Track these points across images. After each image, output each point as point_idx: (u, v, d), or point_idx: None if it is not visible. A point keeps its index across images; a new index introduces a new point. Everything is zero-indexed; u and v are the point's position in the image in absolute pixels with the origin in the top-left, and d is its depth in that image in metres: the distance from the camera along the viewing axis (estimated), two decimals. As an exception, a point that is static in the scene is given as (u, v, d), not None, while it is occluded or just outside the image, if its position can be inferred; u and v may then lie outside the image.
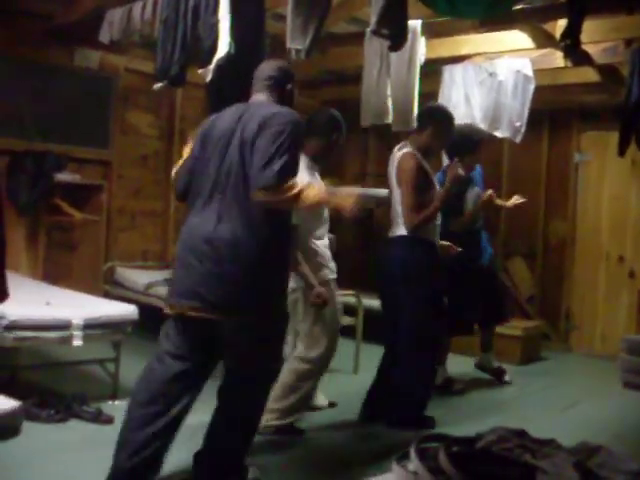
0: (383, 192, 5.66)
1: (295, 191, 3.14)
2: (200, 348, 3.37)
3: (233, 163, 3.28)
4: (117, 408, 4.55)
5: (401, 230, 4.60)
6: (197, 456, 3.58)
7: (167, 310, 3.42)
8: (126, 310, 4.82)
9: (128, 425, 3.24)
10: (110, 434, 4.08)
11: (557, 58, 5.83)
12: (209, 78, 4.06)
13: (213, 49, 4.03)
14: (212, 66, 4.02)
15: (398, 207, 4.60)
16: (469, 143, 5.50)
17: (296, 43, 4.03)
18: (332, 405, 5.05)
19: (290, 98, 3.59)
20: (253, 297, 3.26)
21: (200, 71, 4.11)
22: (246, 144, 3.24)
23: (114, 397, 4.75)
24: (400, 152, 4.65)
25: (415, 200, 4.49)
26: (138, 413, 3.24)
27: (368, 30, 4.79)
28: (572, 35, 4.01)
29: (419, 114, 4.96)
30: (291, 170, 3.21)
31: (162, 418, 3.20)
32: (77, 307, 4.73)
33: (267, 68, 3.58)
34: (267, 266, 3.29)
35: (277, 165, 3.13)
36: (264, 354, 3.46)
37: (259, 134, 3.21)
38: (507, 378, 6.05)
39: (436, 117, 4.74)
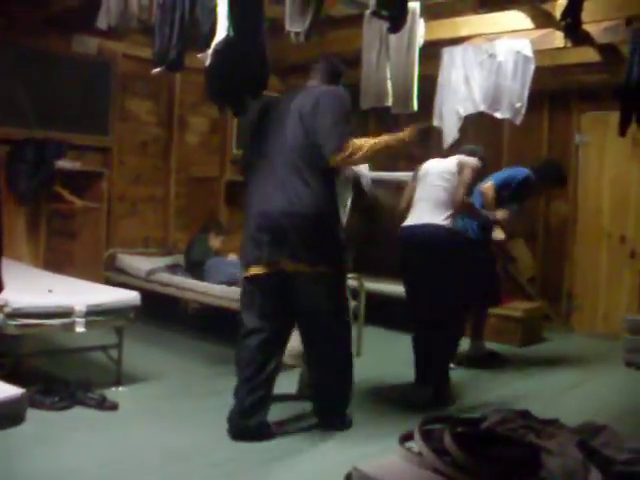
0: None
1: (364, 148, 3.83)
2: (279, 309, 3.99)
3: (295, 137, 3.89)
4: (121, 394, 4.57)
5: (442, 215, 4.88)
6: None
7: (247, 273, 4.00)
8: (128, 296, 4.83)
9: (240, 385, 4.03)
10: (114, 420, 4.13)
11: (557, 38, 5.79)
12: (208, 62, 4.03)
13: (211, 33, 4.00)
14: (211, 50, 3.99)
15: (442, 194, 4.93)
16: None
17: (295, 26, 4.01)
18: None
19: (338, 83, 4.21)
20: (328, 250, 3.93)
21: (199, 56, 4.08)
22: (305, 119, 3.87)
23: (118, 383, 4.76)
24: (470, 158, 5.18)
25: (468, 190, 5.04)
26: (242, 376, 4.02)
27: (367, 12, 4.78)
28: (573, 14, 3.99)
29: None
30: (350, 133, 3.85)
31: (259, 377, 3.96)
32: (79, 294, 4.73)
33: (325, 61, 4.33)
34: (333, 223, 4.00)
35: (340, 131, 3.82)
36: (337, 302, 4.08)
37: (317, 109, 3.86)
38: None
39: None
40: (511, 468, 2.37)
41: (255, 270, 3.96)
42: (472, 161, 5.14)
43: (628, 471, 2.37)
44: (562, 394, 5.19)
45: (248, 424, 3.93)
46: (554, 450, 2.45)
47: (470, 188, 5.10)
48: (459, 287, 4.91)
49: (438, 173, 5.05)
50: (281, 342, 4.10)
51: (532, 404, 4.38)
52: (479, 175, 5.27)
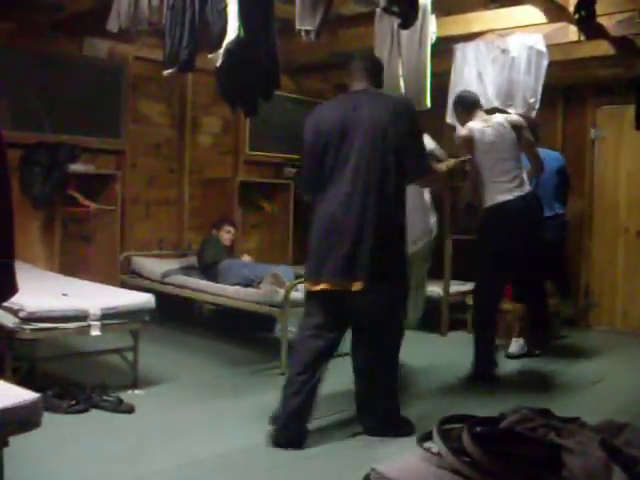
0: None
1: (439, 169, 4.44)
2: (339, 322, 3.95)
3: (375, 151, 3.77)
4: (137, 397, 4.56)
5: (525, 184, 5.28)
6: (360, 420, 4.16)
7: (315, 288, 3.89)
8: (143, 299, 4.82)
9: (288, 387, 3.93)
10: (131, 423, 4.12)
11: (570, 32, 5.74)
12: (219, 63, 4.03)
13: (222, 33, 3.99)
14: (221, 50, 3.98)
15: (514, 163, 5.28)
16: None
17: (306, 24, 3.99)
18: None
19: (382, 81, 4.18)
20: (396, 265, 3.91)
21: (210, 56, 4.08)
22: (389, 135, 3.78)
23: (134, 386, 4.74)
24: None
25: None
26: (295, 380, 3.90)
27: (378, 9, 4.75)
28: (586, 7, 3.94)
29: None
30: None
31: (310, 382, 3.88)
32: (94, 297, 4.73)
33: (363, 59, 4.09)
34: (401, 238, 3.96)
35: (424, 154, 3.97)
36: (397, 318, 4.08)
37: (399, 125, 3.80)
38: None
39: None
40: (531, 468, 2.33)
41: (324, 286, 3.84)
42: (517, 117, 5.43)
43: (651, 470, 2.33)
44: (583, 391, 5.14)
45: (296, 428, 3.90)
46: (575, 449, 2.40)
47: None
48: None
49: (503, 142, 5.25)
50: (332, 353, 4.04)
51: (552, 402, 4.36)
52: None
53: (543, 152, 5.88)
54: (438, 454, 2.45)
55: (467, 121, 5.39)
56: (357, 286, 3.76)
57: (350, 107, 3.86)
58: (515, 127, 5.28)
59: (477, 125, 5.30)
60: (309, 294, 4.04)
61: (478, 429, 2.60)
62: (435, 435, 2.50)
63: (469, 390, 5.06)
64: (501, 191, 5.17)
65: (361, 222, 3.75)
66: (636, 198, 7.28)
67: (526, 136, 5.34)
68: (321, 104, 4.19)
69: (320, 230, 3.89)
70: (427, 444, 2.57)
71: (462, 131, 5.39)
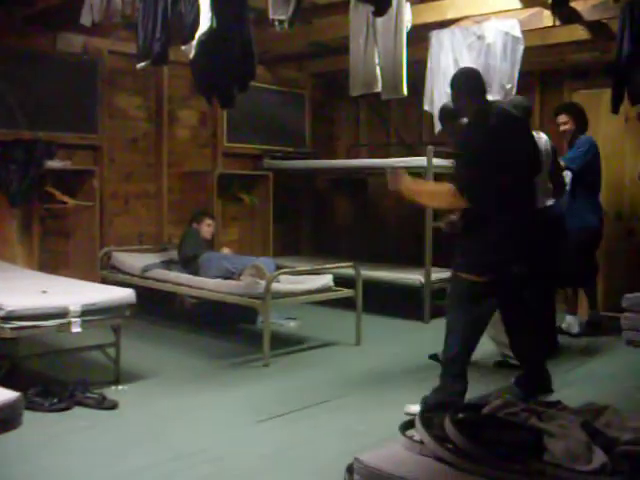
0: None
1: None
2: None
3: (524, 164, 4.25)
4: (120, 393, 4.54)
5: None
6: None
7: (481, 279, 4.11)
8: (123, 294, 4.79)
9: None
10: (115, 419, 4.10)
11: (545, 17, 5.75)
12: (192, 55, 4.00)
13: (195, 25, 3.96)
14: (194, 42, 3.95)
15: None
16: None
17: (279, 14, 3.97)
18: None
19: None
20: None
21: (183, 48, 4.05)
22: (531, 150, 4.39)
23: (117, 382, 4.73)
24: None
25: None
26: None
27: (352, -3, 4.74)
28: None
29: None
30: None
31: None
32: (74, 294, 4.70)
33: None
34: None
35: None
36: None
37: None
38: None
39: None
40: (514, 452, 2.35)
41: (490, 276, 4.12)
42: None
43: (632, 450, 2.35)
44: (564, 374, 5.16)
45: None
46: (557, 433, 2.42)
47: None
48: None
49: None
50: None
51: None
52: None
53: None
54: (421, 442, 2.46)
55: None
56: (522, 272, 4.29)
57: (506, 123, 4.35)
58: None
59: None
60: (479, 284, 4.26)
61: (460, 416, 2.62)
62: (417, 423, 2.51)
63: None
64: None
65: (532, 220, 4.39)
66: (614, 181, 7.28)
67: None
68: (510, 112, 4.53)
69: (502, 228, 4.19)
70: (410, 432, 2.58)
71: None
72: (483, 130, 4.16)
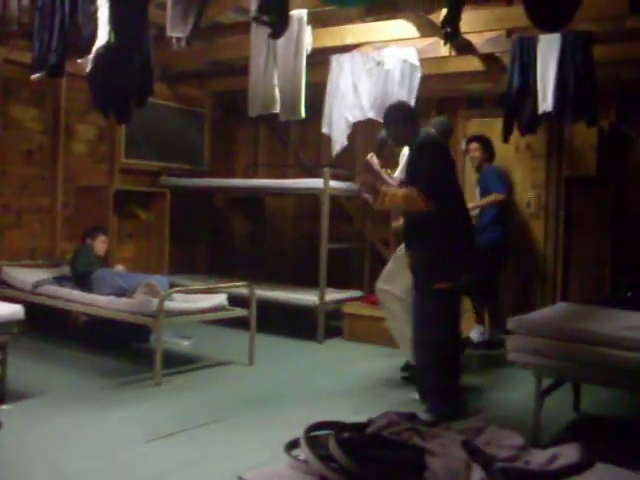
0: None
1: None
2: None
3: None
4: (5, 412, 4.40)
5: None
6: None
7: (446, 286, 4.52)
8: (11, 310, 4.65)
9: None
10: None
11: (442, 47, 5.92)
12: (89, 68, 3.94)
13: (92, 38, 3.91)
14: (91, 56, 3.90)
15: None
16: None
17: (177, 31, 3.96)
18: None
19: None
20: None
21: (79, 61, 3.99)
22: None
23: (2, 401, 4.58)
24: None
25: None
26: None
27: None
28: (451, 23, 4.08)
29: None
30: None
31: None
32: (-42, 309, 4.54)
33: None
34: None
35: None
36: None
37: None
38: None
39: None
40: (396, 471, 2.39)
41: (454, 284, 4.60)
42: None
43: (508, 467, 2.43)
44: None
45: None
46: (437, 451, 2.48)
47: None
48: None
49: None
50: None
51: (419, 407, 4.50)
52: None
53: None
54: (305, 461, 2.48)
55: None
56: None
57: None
58: None
59: None
60: (447, 292, 4.62)
61: (346, 435, 2.65)
62: (302, 442, 2.53)
63: (347, 396, 5.10)
64: None
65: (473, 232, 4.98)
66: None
67: None
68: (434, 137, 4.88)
69: (459, 239, 4.68)
70: (295, 451, 2.60)
71: None
72: (431, 149, 4.67)
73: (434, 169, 4.56)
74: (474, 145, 6.93)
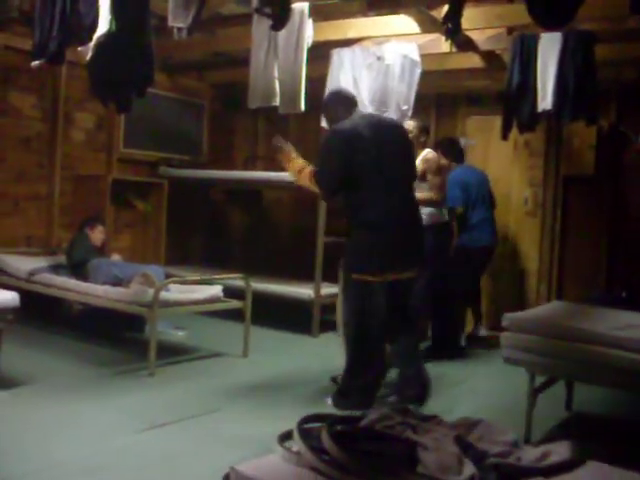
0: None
1: None
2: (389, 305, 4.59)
3: (396, 163, 4.58)
4: (0, 399, 4.41)
5: None
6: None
7: (376, 279, 4.46)
8: (6, 297, 4.64)
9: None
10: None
11: (443, 44, 5.91)
12: (89, 56, 3.94)
13: (93, 26, 3.90)
14: (92, 44, 3.90)
15: None
16: None
17: (178, 21, 3.96)
18: None
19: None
20: (422, 255, 4.78)
21: (79, 49, 3.99)
22: (400, 152, 4.67)
23: (-4, 388, 4.60)
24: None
25: None
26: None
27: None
28: (453, 20, 4.09)
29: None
30: None
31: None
32: (-48, 296, 4.54)
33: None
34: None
35: None
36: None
37: (407, 147, 4.82)
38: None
39: None
40: (388, 464, 2.40)
41: (386, 277, 4.48)
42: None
43: (499, 463, 2.44)
44: (445, 391, 5.28)
45: None
46: (430, 445, 2.49)
47: None
48: None
49: None
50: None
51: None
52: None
53: None
54: (298, 453, 2.49)
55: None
56: (406, 273, 4.64)
57: (378, 127, 4.59)
58: None
59: None
60: (372, 284, 4.52)
61: (338, 428, 2.66)
62: (295, 434, 2.53)
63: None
64: None
65: (411, 221, 4.66)
66: (501, 205, 7.50)
67: None
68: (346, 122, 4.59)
69: (378, 228, 4.48)
70: (288, 443, 2.60)
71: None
72: (331, 136, 4.62)
73: (326, 157, 4.55)
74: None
